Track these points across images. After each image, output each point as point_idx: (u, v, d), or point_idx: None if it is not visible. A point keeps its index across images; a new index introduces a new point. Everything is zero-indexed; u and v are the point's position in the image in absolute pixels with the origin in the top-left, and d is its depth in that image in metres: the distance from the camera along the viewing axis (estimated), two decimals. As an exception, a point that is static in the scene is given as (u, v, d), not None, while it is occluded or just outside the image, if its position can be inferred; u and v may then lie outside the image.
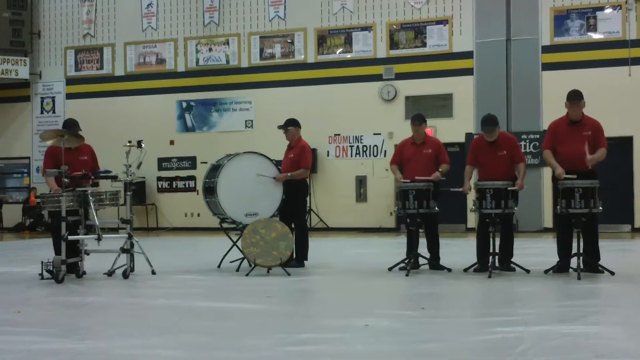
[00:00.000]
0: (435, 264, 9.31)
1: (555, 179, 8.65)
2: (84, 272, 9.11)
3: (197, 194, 18.49)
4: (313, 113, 17.75)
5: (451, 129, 17.42)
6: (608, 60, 16.79)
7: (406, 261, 9.18)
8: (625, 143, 16.44)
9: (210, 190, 9.66)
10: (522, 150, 16.15)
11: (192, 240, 16.25)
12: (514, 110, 17.23)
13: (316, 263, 10.01)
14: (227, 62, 19.77)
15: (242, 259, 9.44)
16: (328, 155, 18.66)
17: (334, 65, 18.81)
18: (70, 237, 8.56)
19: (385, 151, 18.02)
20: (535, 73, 17.25)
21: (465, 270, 8.97)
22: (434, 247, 9.40)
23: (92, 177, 9.05)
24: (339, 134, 18.62)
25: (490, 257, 8.70)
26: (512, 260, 8.98)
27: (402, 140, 9.87)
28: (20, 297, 7.52)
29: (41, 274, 8.60)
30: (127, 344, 5.16)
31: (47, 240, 9.44)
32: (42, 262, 8.66)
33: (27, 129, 21.54)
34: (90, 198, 8.63)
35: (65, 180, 8.59)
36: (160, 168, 20.06)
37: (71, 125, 9.37)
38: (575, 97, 8.64)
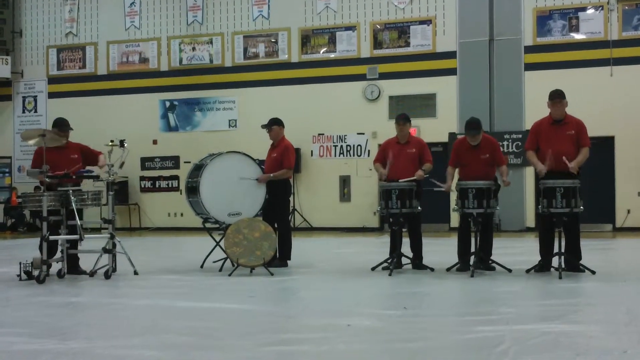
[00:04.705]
0: (418, 263, 9.34)
1: (537, 178, 8.71)
2: (85, 271, 9.06)
3: (180, 193, 18.43)
4: (297, 113, 17.75)
5: (434, 129, 17.48)
6: (590, 61, 16.91)
7: (389, 261, 9.20)
8: (607, 143, 16.57)
9: (193, 190, 9.63)
10: (505, 150, 16.48)
11: (175, 240, 16.20)
12: (497, 110, 17.31)
13: (299, 263, 10.01)
14: (211, 61, 19.72)
15: (225, 258, 9.42)
16: (312, 155, 18.67)
17: (318, 65, 18.82)
18: (52, 237, 8.50)
19: (368, 151, 18.05)
20: (518, 73, 17.34)
21: (448, 269, 9.00)
22: (416, 247, 9.42)
23: (74, 177, 8.99)
24: (323, 134, 18.62)
25: (472, 256, 8.75)
26: (494, 259, 9.03)
27: (387, 139, 9.90)
28: (0, 297, 7.46)
29: (19, 275, 8.54)
30: (108, 345, 5.14)
31: (29, 240, 9.39)
32: (20, 263, 8.60)
33: (8, 129, 21.38)
34: (72, 198, 8.58)
35: (47, 179, 8.55)
36: (143, 168, 19.98)
37: (59, 124, 9.36)
38: (556, 97, 8.70)
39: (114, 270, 8.95)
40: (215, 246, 9.88)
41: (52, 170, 8.78)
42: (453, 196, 9.26)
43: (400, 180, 9.07)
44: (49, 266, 8.71)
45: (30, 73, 21.27)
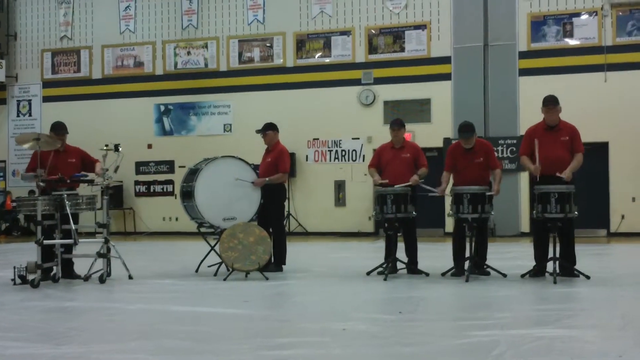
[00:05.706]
0: (413, 268, 9.34)
1: (532, 184, 8.73)
2: (79, 276, 9.02)
3: (175, 198, 18.41)
4: (292, 117, 17.76)
5: (429, 134, 17.49)
6: (584, 66, 16.95)
7: (384, 265, 9.20)
8: (601, 148, 16.61)
9: (188, 195, 9.62)
10: (499, 156, 16.52)
11: (170, 244, 16.17)
12: (491, 116, 17.34)
13: (294, 267, 10.00)
14: (206, 65, 19.72)
15: (220, 263, 9.42)
16: (307, 160, 18.66)
17: (313, 70, 18.83)
18: (45, 242, 8.48)
19: (363, 156, 18.05)
20: (512, 78, 17.38)
21: (443, 274, 9.02)
22: (411, 252, 9.43)
23: (68, 181, 8.97)
24: (318, 139, 18.63)
25: (467, 261, 8.76)
26: (489, 264, 9.04)
27: (382, 144, 9.91)
28: (-5, 302, 7.45)
29: (14, 279, 8.52)
30: (103, 349, 5.13)
31: (23, 244, 9.36)
32: (14, 267, 8.57)
33: (2, 132, 21.32)
34: (67, 202, 8.56)
35: (41, 184, 8.54)
36: (138, 172, 19.94)
37: (54, 128, 9.36)
38: (551, 102, 8.73)
39: (109, 274, 8.93)
40: (210, 251, 9.87)
41: (50, 173, 8.77)
42: (448, 201, 9.27)
43: (395, 187, 9.08)
44: (45, 270, 8.66)
45: (25, 77, 21.24)
